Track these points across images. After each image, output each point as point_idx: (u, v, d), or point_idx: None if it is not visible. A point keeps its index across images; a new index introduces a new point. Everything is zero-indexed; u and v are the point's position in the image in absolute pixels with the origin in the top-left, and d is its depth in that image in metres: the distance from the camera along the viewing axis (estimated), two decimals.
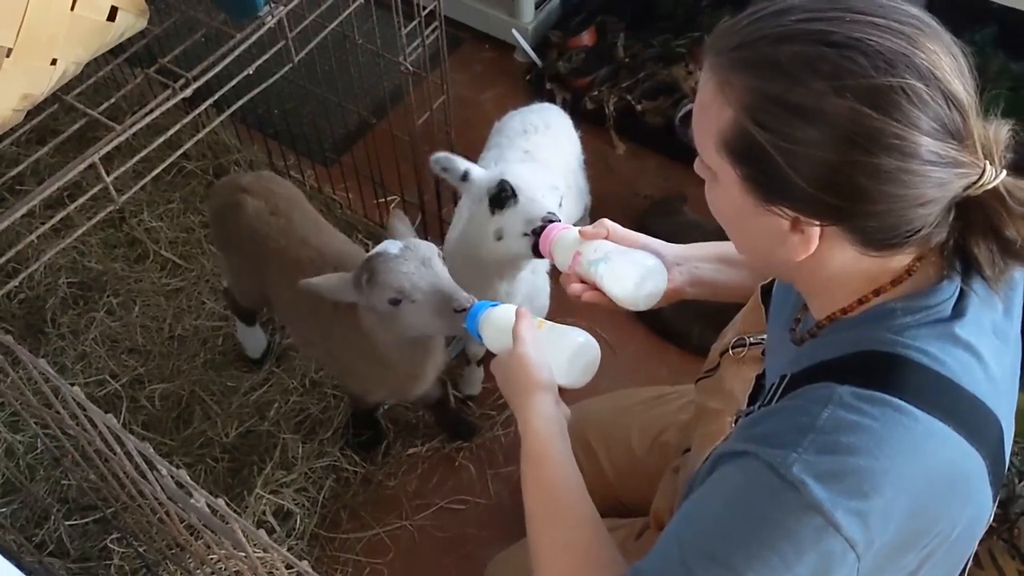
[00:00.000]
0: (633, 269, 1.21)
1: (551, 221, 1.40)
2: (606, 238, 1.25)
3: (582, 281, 1.26)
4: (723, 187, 0.89)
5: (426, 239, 2.29)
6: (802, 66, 0.78)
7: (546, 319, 1.24)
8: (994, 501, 0.89)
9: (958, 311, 0.86)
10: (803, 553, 0.79)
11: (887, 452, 0.80)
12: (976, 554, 1.63)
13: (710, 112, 0.85)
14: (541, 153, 1.94)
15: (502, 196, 1.50)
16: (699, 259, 1.28)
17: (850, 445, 0.80)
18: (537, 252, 1.39)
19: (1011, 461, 1.71)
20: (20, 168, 1.39)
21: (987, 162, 0.81)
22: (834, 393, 0.83)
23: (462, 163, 1.60)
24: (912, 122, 0.76)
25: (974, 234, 0.85)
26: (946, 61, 0.79)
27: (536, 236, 1.39)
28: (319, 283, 1.48)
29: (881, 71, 0.76)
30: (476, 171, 1.59)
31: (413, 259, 1.41)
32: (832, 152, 0.78)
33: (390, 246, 1.44)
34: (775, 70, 0.79)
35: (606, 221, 1.26)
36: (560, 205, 1.54)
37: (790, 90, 0.78)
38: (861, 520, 0.79)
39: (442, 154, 1.61)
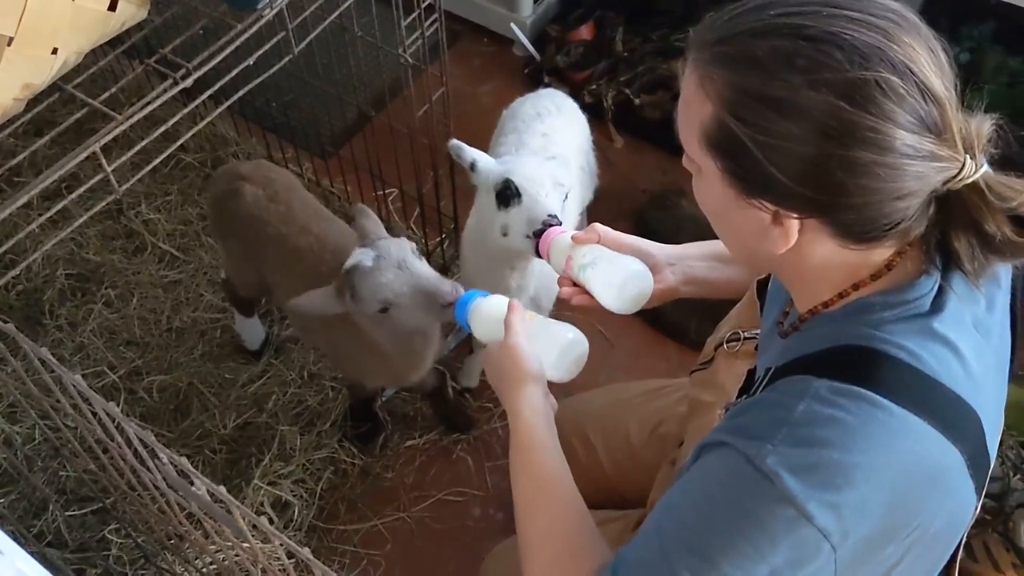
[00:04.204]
0: (617, 274, 1.21)
1: (551, 224, 1.40)
2: (598, 242, 1.26)
3: (574, 284, 1.28)
4: (706, 181, 0.90)
5: (425, 232, 2.33)
6: (779, 60, 0.79)
7: (550, 316, 1.24)
8: (979, 495, 0.89)
9: (937, 306, 0.87)
10: (777, 543, 0.80)
11: (861, 446, 0.80)
12: (971, 547, 1.65)
13: (692, 106, 0.86)
14: (558, 135, 1.95)
15: (507, 194, 1.51)
16: (693, 258, 1.29)
17: (824, 438, 0.81)
18: (539, 253, 1.39)
19: (1006, 455, 1.72)
20: (18, 159, 1.39)
21: (967, 156, 0.81)
22: (811, 387, 0.84)
23: (470, 153, 1.61)
24: (887, 116, 0.77)
25: (954, 228, 0.85)
26: (923, 55, 0.79)
27: (537, 238, 1.39)
28: (306, 303, 1.48)
29: (856, 65, 0.77)
30: (483, 161, 1.60)
31: (389, 266, 1.41)
32: (809, 146, 0.78)
33: (363, 257, 1.42)
34: (752, 64, 0.80)
35: (597, 226, 1.27)
36: (566, 198, 1.54)
37: (767, 84, 0.79)
38: (834, 512, 0.79)
39: (455, 141, 1.62)
